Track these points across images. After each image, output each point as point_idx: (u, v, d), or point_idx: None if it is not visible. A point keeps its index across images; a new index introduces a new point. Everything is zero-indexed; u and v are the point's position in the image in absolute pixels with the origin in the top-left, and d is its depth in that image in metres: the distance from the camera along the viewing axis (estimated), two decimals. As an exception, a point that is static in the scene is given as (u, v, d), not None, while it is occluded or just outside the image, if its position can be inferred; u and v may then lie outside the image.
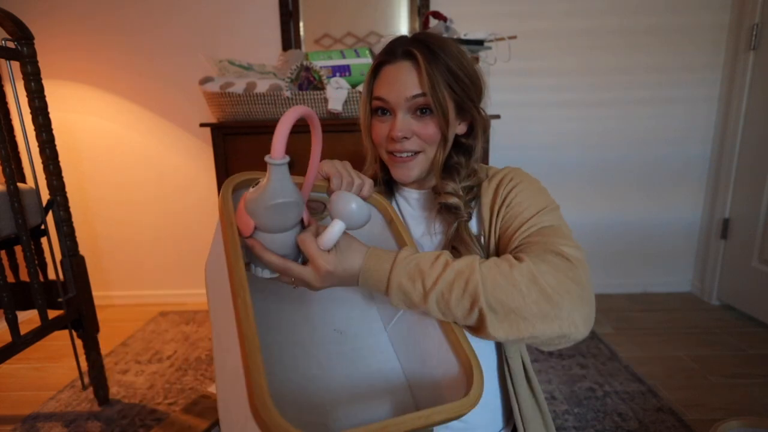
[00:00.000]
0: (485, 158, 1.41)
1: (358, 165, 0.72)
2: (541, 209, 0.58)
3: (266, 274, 0.50)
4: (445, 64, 0.59)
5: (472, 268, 0.47)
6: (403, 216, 0.70)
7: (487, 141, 1.38)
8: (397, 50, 0.61)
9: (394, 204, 0.72)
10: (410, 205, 0.71)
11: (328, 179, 0.56)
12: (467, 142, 0.67)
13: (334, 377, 0.55)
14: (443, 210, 0.64)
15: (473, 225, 0.65)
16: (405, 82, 0.60)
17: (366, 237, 0.59)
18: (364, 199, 0.57)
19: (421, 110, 0.61)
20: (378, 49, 1.37)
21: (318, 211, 0.60)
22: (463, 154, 0.66)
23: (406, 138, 0.61)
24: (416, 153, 0.63)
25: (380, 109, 0.64)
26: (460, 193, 0.63)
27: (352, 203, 0.47)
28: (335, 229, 0.47)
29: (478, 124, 0.66)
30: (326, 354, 0.57)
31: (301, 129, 1.54)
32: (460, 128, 0.66)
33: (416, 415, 0.38)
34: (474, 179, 0.66)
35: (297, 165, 1.40)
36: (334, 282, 0.50)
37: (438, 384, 0.51)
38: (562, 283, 0.46)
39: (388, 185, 0.72)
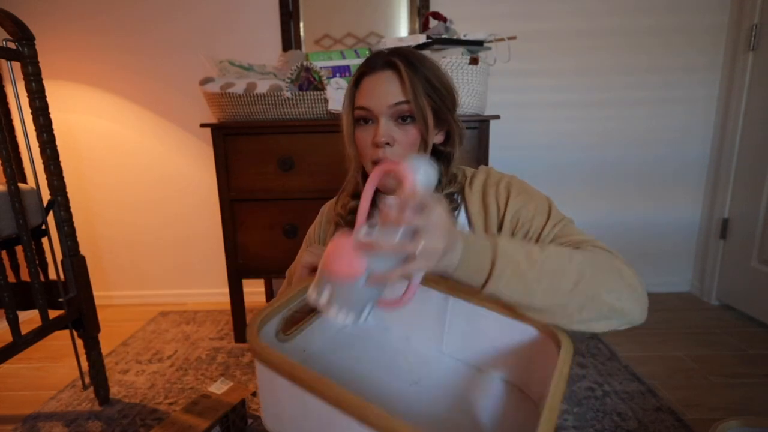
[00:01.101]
0: (485, 158, 1.42)
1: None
2: (548, 212, 0.64)
3: (366, 318, 0.48)
4: (423, 74, 0.62)
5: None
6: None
7: (486, 141, 1.39)
8: (377, 61, 0.64)
9: (376, 212, 0.72)
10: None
11: (314, 270, 0.56)
12: (445, 149, 0.69)
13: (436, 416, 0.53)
14: None
15: (461, 217, 0.68)
16: (387, 90, 0.62)
17: None
18: None
19: (403, 118, 0.63)
20: (378, 49, 1.38)
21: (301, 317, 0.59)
22: (442, 162, 0.68)
23: (388, 144, 0.63)
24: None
25: (362, 119, 0.66)
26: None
27: (420, 168, 0.46)
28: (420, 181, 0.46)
29: (455, 132, 0.68)
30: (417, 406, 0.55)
31: (301, 129, 1.53)
32: (438, 137, 0.68)
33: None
34: (455, 185, 0.69)
35: (298, 165, 1.41)
36: (449, 237, 0.45)
37: (526, 354, 0.52)
38: (630, 270, 0.55)
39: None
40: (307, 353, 0.59)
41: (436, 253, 0.43)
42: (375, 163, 0.65)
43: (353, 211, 0.71)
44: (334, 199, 0.81)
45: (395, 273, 0.42)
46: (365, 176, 0.71)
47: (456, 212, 0.68)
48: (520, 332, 0.52)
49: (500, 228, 0.65)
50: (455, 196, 0.69)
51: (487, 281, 0.46)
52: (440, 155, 0.69)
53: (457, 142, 0.68)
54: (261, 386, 0.46)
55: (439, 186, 0.68)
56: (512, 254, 0.47)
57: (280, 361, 0.42)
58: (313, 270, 0.56)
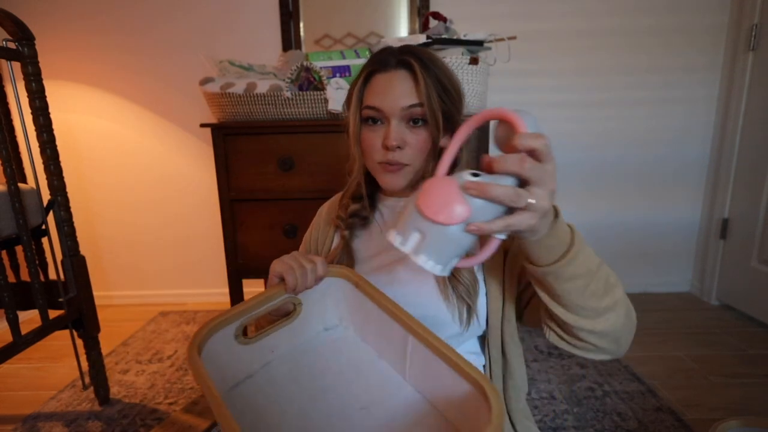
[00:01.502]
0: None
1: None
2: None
3: (500, 235, 0.42)
4: (435, 75, 0.60)
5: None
6: (388, 225, 0.69)
7: (486, 141, 1.39)
8: (390, 60, 0.61)
9: (377, 215, 0.71)
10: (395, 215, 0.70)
11: (282, 279, 0.55)
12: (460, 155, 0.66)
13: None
14: None
15: None
16: (401, 91, 0.60)
17: (343, 300, 0.61)
18: (320, 278, 0.57)
19: (414, 120, 0.61)
20: (378, 50, 1.37)
21: (279, 314, 0.59)
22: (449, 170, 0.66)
23: (399, 147, 0.61)
24: (405, 165, 0.62)
25: (371, 119, 0.63)
26: None
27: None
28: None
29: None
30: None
31: (301, 129, 1.53)
32: (444, 141, 0.64)
33: None
34: None
35: (298, 165, 1.41)
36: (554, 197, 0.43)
37: (463, 407, 0.49)
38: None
39: (371, 198, 0.71)
40: (275, 354, 0.59)
41: (543, 209, 0.40)
42: (381, 164, 0.63)
43: (354, 214, 0.70)
44: (331, 201, 0.79)
45: (497, 224, 0.39)
46: (368, 177, 0.69)
47: None
48: (459, 383, 0.49)
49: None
50: None
51: (564, 255, 0.44)
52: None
53: (464, 146, 0.65)
54: None
55: None
56: (583, 240, 0.46)
57: (202, 376, 0.43)
58: (283, 279, 0.54)
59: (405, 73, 0.60)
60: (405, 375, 0.56)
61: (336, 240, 0.73)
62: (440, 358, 0.48)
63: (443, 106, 0.61)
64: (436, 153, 0.63)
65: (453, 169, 0.62)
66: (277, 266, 0.56)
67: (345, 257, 0.68)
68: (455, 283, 0.61)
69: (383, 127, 0.62)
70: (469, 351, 0.66)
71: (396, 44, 1.32)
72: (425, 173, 0.64)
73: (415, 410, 0.53)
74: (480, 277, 0.63)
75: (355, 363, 0.59)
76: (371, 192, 0.71)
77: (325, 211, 0.78)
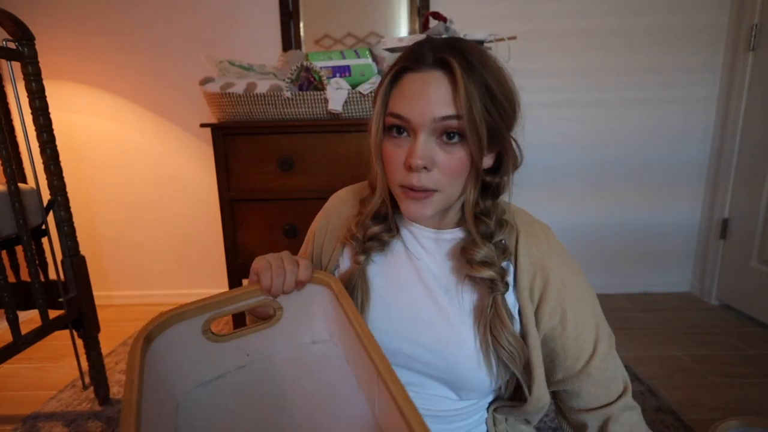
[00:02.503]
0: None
1: (362, 168, 0.68)
2: (597, 330, 0.54)
3: None
4: (482, 80, 0.47)
5: None
6: (412, 256, 0.58)
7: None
8: (426, 56, 0.48)
9: (401, 246, 0.60)
10: (424, 248, 0.58)
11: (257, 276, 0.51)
12: (494, 180, 0.53)
13: None
14: (475, 278, 0.53)
15: (509, 278, 0.54)
16: (435, 99, 0.47)
17: (331, 311, 0.55)
18: (302, 283, 0.52)
19: (449, 135, 0.48)
20: (378, 49, 1.37)
21: (267, 315, 0.56)
22: (489, 197, 0.54)
23: (426, 168, 0.48)
24: (432, 191, 0.50)
25: (397, 128, 0.50)
26: (495, 260, 0.52)
27: None
28: None
29: (509, 158, 0.52)
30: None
31: (301, 129, 1.53)
32: (487, 161, 0.52)
33: None
34: (507, 231, 0.54)
35: (298, 165, 1.41)
36: None
37: None
38: None
39: (395, 219, 0.59)
40: (251, 358, 0.56)
41: None
42: (403, 187, 0.51)
43: (373, 238, 0.58)
44: (343, 194, 0.67)
45: None
46: (393, 201, 0.56)
47: (506, 265, 0.54)
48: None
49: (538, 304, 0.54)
50: (504, 245, 0.54)
51: None
52: (487, 187, 0.53)
53: (510, 169, 0.53)
54: None
55: (487, 229, 0.52)
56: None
57: (132, 368, 0.40)
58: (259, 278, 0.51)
59: (442, 74, 0.47)
60: (375, 414, 0.49)
61: (345, 260, 0.62)
62: (397, 409, 0.40)
63: (488, 118, 0.47)
64: (477, 177, 0.51)
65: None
66: (256, 263, 0.52)
67: (359, 285, 0.58)
68: (496, 345, 0.52)
69: (409, 140, 0.49)
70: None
71: (396, 44, 1.32)
72: (467, 204, 0.52)
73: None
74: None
75: (332, 387, 0.53)
76: (395, 211, 0.58)
77: (335, 216, 0.65)
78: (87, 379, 1.27)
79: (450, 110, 0.47)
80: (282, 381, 0.54)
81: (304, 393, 0.53)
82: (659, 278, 1.99)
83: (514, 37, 1.34)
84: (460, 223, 0.57)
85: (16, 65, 1.04)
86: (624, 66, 1.78)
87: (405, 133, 0.50)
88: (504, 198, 0.56)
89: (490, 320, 0.52)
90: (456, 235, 0.57)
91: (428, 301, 0.56)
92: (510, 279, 0.54)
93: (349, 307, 0.50)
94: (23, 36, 1.01)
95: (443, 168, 0.49)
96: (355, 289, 0.58)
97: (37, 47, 1.04)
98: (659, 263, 1.98)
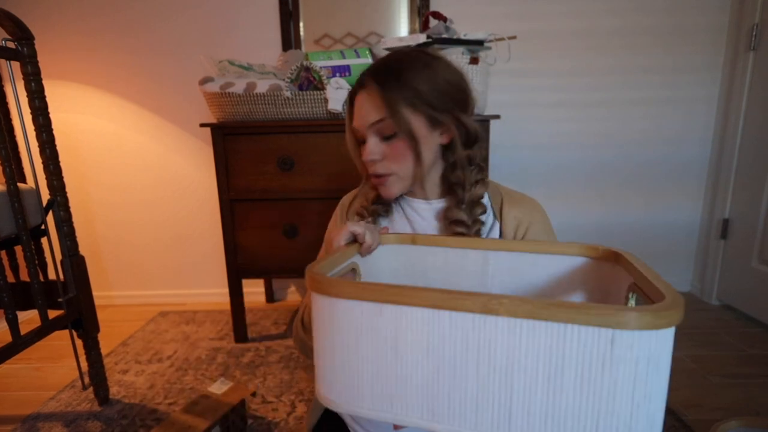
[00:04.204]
0: (485, 158, 1.42)
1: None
2: None
3: None
4: (405, 83, 0.60)
5: None
6: (413, 226, 0.72)
7: (486, 141, 1.38)
8: (360, 80, 0.64)
9: (400, 212, 0.73)
10: (421, 216, 0.72)
11: (354, 240, 0.58)
12: (456, 153, 0.66)
13: None
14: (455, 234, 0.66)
15: (495, 234, 0.68)
16: (367, 110, 0.63)
17: (405, 264, 0.61)
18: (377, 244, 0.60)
19: (385, 136, 0.64)
20: (378, 49, 1.38)
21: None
22: (459, 168, 0.66)
23: (376, 160, 0.65)
24: (387, 175, 0.65)
25: (357, 139, 0.68)
26: (466, 219, 0.65)
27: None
28: None
29: (459, 135, 0.65)
30: None
31: (301, 129, 1.53)
32: (443, 138, 0.66)
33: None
34: (480, 188, 0.67)
35: (298, 165, 1.40)
36: None
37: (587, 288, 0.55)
38: None
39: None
40: None
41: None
42: (371, 177, 0.68)
43: (377, 201, 0.72)
44: (347, 198, 0.80)
45: None
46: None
47: (483, 217, 0.67)
48: (571, 267, 0.54)
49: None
50: (481, 206, 0.67)
51: None
52: (455, 159, 0.67)
53: (458, 143, 0.65)
54: (322, 343, 0.42)
55: (461, 193, 0.66)
56: None
57: (355, 286, 0.39)
58: (355, 240, 0.57)
59: (365, 92, 0.63)
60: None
61: None
62: (531, 251, 0.55)
63: (418, 112, 0.61)
64: (422, 157, 0.64)
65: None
66: (350, 227, 0.57)
67: None
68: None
69: (365, 144, 0.66)
70: None
71: (395, 44, 1.33)
72: (419, 175, 0.66)
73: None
74: None
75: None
76: None
77: (348, 202, 0.79)
78: (87, 380, 1.27)
79: (376, 116, 0.62)
80: None
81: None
82: (659, 278, 1.98)
83: (514, 37, 1.34)
84: (443, 193, 0.71)
85: (16, 65, 1.04)
86: (624, 66, 1.78)
87: (363, 141, 0.66)
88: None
89: None
90: (442, 204, 0.71)
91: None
92: (496, 233, 0.68)
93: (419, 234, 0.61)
94: (23, 36, 1.01)
95: (388, 156, 0.64)
96: None
97: (36, 47, 1.04)
98: (659, 263, 1.97)
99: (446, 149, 0.66)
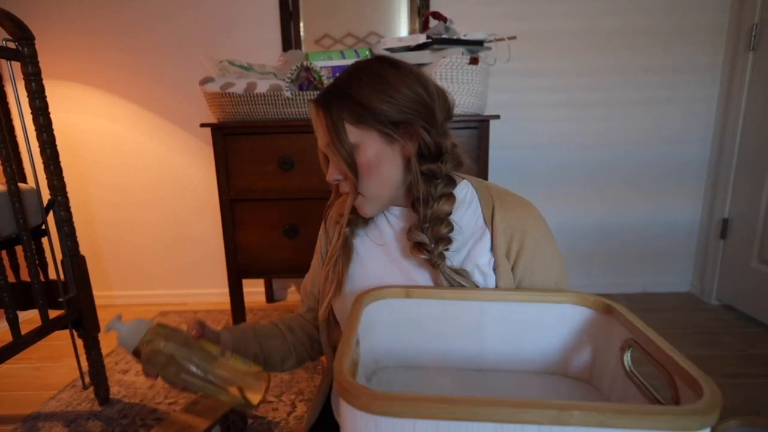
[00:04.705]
0: (485, 158, 1.41)
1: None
2: (560, 275, 0.65)
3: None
4: (351, 99, 0.58)
5: None
6: (394, 230, 0.69)
7: (486, 141, 1.38)
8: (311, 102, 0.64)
9: (382, 217, 0.71)
10: (402, 221, 0.69)
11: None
12: (423, 166, 0.61)
13: None
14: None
15: (486, 243, 0.63)
16: (318, 133, 0.63)
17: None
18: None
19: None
20: (378, 49, 1.37)
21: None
22: (426, 182, 0.62)
23: (338, 180, 0.64)
24: (357, 194, 0.63)
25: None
26: (428, 243, 0.61)
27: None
28: None
29: (416, 149, 0.61)
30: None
31: (301, 129, 1.53)
32: (405, 152, 0.62)
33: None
34: (444, 203, 0.61)
35: (298, 165, 1.41)
36: None
37: (580, 339, 0.57)
38: None
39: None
40: None
41: None
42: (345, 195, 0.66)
43: (351, 224, 0.71)
44: (334, 203, 0.77)
45: None
46: None
47: (452, 235, 0.62)
48: (564, 316, 0.54)
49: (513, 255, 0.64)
50: (446, 223, 0.62)
51: None
52: (422, 172, 0.62)
53: (414, 158, 0.60)
54: None
55: (427, 209, 0.61)
56: None
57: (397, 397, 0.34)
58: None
59: (315, 113, 0.63)
60: (481, 362, 0.59)
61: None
62: (525, 301, 0.57)
63: (373, 125, 0.58)
64: (378, 174, 0.61)
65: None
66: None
67: (343, 252, 0.69)
68: (445, 272, 0.61)
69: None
70: None
71: (396, 44, 1.33)
72: (386, 193, 0.64)
73: (518, 386, 0.56)
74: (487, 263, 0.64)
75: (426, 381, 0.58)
76: None
77: (330, 212, 0.78)
78: (87, 379, 1.27)
79: (326, 138, 0.61)
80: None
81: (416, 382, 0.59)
82: (659, 278, 1.99)
83: (514, 37, 1.34)
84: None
85: (16, 65, 1.04)
86: (624, 66, 1.78)
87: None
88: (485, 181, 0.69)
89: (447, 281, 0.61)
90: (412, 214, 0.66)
91: (408, 266, 0.66)
92: (487, 241, 0.64)
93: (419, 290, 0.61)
94: (23, 36, 1.01)
95: (347, 175, 0.61)
96: (340, 254, 0.69)
97: (37, 47, 1.04)
98: (659, 263, 1.98)
99: (409, 162, 0.62)
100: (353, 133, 0.59)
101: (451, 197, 0.62)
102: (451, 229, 0.62)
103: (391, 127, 0.59)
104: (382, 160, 0.60)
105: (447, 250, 0.61)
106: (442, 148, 0.61)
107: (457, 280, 0.60)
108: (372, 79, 0.59)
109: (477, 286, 0.61)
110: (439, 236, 0.61)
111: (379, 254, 0.69)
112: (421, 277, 0.65)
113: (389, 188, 0.63)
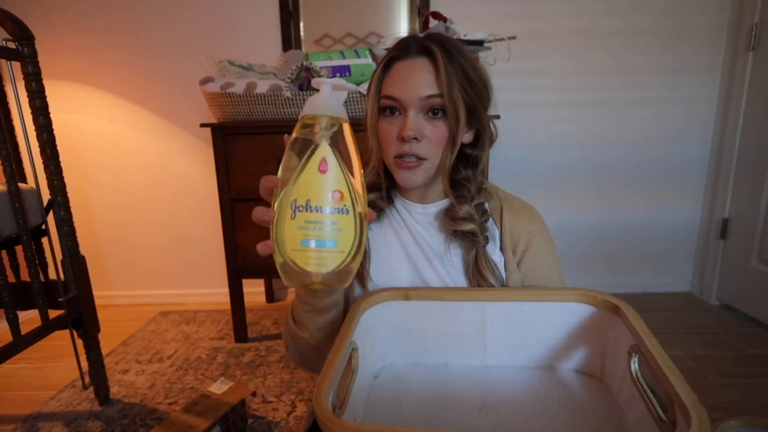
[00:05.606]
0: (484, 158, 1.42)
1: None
2: (560, 277, 0.66)
3: None
4: (460, 65, 0.56)
5: None
6: (408, 225, 0.67)
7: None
8: (412, 46, 0.58)
9: (393, 210, 0.68)
10: (416, 220, 0.67)
11: None
12: (473, 152, 0.64)
13: None
14: (459, 234, 0.62)
15: (495, 242, 0.64)
16: (421, 81, 0.56)
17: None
18: None
19: (434, 111, 0.58)
20: (378, 49, 1.38)
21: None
22: (470, 167, 0.64)
23: (416, 139, 0.57)
24: (422, 159, 0.59)
25: (389, 108, 0.59)
26: (476, 216, 0.61)
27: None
28: None
29: (485, 133, 0.63)
30: None
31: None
32: (467, 137, 0.63)
33: None
34: (484, 195, 0.64)
35: (297, 165, 1.41)
36: None
37: (584, 336, 0.57)
38: None
39: (388, 192, 0.68)
40: (358, 421, 0.51)
41: None
42: (398, 157, 0.59)
43: (369, 204, 0.64)
44: None
45: None
46: (386, 171, 0.65)
47: (487, 224, 0.64)
48: (568, 314, 0.54)
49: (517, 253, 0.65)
50: (485, 207, 0.65)
51: None
52: (468, 159, 0.64)
53: (486, 144, 0.63)
54: None
55: (468, 193, 0.62)
56: None
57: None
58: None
59: (426, 60, 0.56)
60: (486, 359, 0.58)
61: None
62: (528, 300, 0.56)
63: (466, 98, 0.57)
64: (455, 147, 0.59)
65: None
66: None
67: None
68: (482, 281, 0.61)
69: (400, 118, 0.58)
70: None
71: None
72: (441, 171, 0.61)
73: (523, 382, 0.55)
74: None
75: (433, 385, 0.57)
76: (389, 185, 0.68)
77: None
78: (87, 379, 1.27)
79: (434, 90, 0.56)
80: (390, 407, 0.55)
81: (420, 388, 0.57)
82: (659, 278, 1.99)
83: (514, 37, 1.34)
84: (442, 195, 0.66)
85: (16, 65, 1.04)
86: (624, 66, 1.78)
87: (397, 112, 0.59)
88: (490, 182, 0.69)
89: (473, 267, 0.61)
90: (440, 206, 0.66)
91: (422, 265, 0.65)
92: (496, 240, 0.64)
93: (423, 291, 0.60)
94: (23, 36, 1.01)
95: (430, 139, 0.58)
96: None
97: (37, 47, 1.04)
98: (659, 263, 1.98)
99: (462, 149, 0.62)
100: (459, 98, 0.57)
101: (483, 185, 0.65)
102: (488, 218, 0.64)
103: (476, 105, 0.59)
104: (461, 133, 0.59)
105: (485, 225, 0.63)
106: (495, 138, 0.65)
107: (491, 267, 0.61)
108: (472, 55, 0.59)
109: (503, 283, 0.63)
110: (481, 222, 0.62)
111: (396, 247, 0.67)
112: (433, 276, 0.64)
113: (446, 164, 0.60)
